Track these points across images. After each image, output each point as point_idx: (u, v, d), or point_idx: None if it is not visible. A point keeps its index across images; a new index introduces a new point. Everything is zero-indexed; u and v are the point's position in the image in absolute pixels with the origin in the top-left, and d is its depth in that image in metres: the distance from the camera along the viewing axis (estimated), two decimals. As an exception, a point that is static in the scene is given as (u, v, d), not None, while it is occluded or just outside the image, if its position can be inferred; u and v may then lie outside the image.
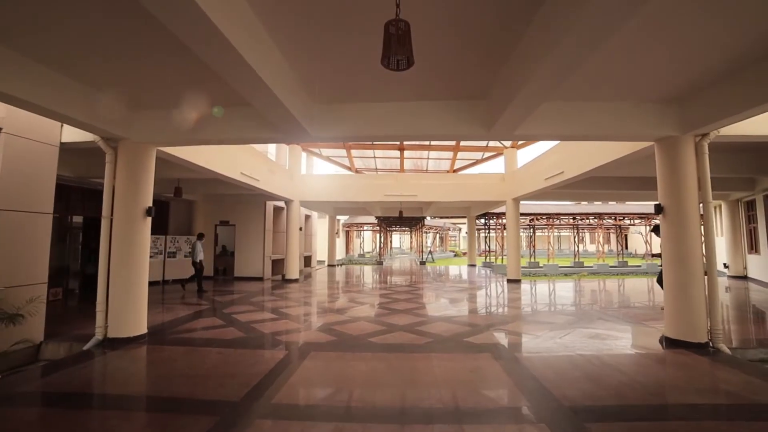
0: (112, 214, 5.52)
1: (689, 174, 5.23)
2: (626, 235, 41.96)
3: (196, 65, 4.06)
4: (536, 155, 12.51)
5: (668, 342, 5.31)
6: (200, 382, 3.96)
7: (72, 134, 5.78)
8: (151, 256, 12.85)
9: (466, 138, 5.61)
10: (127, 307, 5.43)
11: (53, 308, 8.35)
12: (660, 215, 5.52)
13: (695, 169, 5.24)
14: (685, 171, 5.25)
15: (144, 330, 5.63)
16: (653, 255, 9.12)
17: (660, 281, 8.14)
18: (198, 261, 11.00)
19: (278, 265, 15.76)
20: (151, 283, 12.62)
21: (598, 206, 27.05)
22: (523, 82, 3.97)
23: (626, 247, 41.17)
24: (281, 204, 15.36)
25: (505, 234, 24.20)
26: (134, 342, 5.35)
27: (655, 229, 8.86)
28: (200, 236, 11.68)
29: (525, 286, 12.62)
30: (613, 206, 26.80)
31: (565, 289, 11.98)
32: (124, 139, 5.55)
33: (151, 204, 5.80)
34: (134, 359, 4.80)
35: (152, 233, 13.45)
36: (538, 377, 4.12)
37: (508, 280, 13.62)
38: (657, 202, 5.56)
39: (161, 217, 14.25)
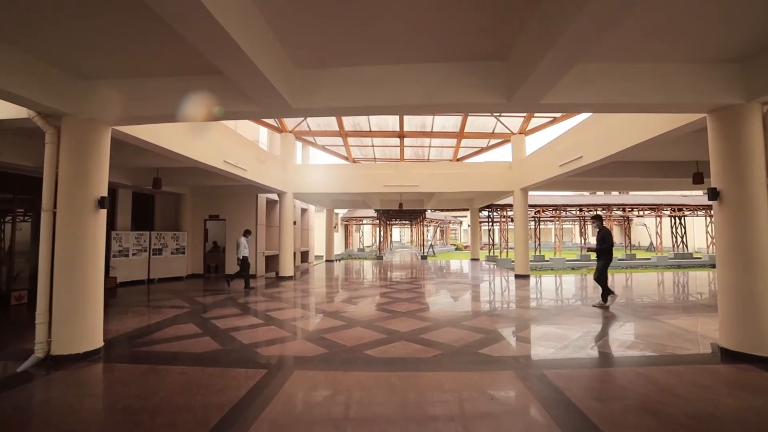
0: (55, 207, 4.57)
1: (755, 151, 4.29)
2: (628, 227, 41.21)
3: (156, 24, 3.15)
4: (546, 142, 11.57)
5: (726, 354, 4.41)
6: (146, 420, 3.06)
7: (3, 110, 4.81)
8: (134, 254, 12.06)
9: (481, 108, 4.67)
10: (75, 317, 4.51)
11: (15, 314, 7.47)
12: (715, 201, 4.59)
13: (763, 145, 4.30)
14: (750, 147, 4.30)
15: (99, 344, 4.72)
16: (589, 249, 8.17)
17: (599, 280, 7.40)
18: (242, 257, 10.45)
19: (272, 261, 14.88)
20: (134, 283, 11.89)
21: (601, 197, 26.13)
22: (557, 34, 3.07)
23: (629, 239, 40.45)
24: (275, 197, 14.44)
25: (509, 227, 23.33)
26: (84, 359, 4.44)
27: (596, 218, 7.93)
28: (246, 233, 10.92)
29: (535, 281, 11.73)
30: (616, 197, 25.90)
31: (578, 286, 11.09)
32: (69, 115, 4.60)
33: (105, 194, 4.86)
34: (75, 384, 3.88)
35: (137, 229, 12.62)
36: (580, 407, 3.22)
37: (516, 276, 12.74)
38: (712, 186, 4.62)
39: (146, 212, 13.35)
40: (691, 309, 7.54)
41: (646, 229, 35.76)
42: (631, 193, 34.81)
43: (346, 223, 35.19)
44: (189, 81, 4.69)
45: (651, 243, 36.32)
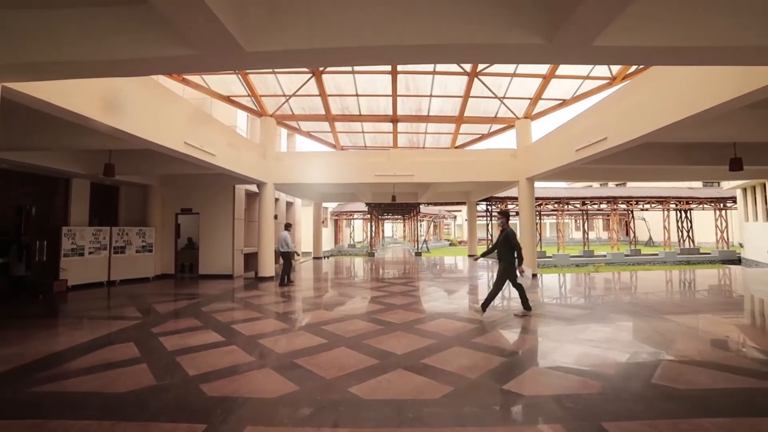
0: None
1: None
2: (627, 222, 40.44)
3: None
4: (553, 128, 10.37)
5: None
6: None
7: None
8: (91, 252, 10.59)
9: (509, 54, 3.35)
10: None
11: None
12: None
13: None
14: None
15: (-26, 384, 3.38)
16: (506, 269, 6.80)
17: (517, 287, 6.43)
18: (292, 252, 10.50)
19: (253, 260, 13.52)
20: (91, 285, 10.46)
21: (606, 189, 25.09)
22: None
23: (627, 234, 39.73)
24: (256, 189, 13.07)
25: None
26: (-58, 410, 3.11)
27: (503, 215, 6.81)
28: (288, 227, 10.81)
29: (544, 281, 10.55)
30: (622, 189, 24.88)
31: (595, 286, 9.94)
32: None
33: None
34: None
35: (97, 224, 11.18)
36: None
37: (522, 275, 11.55)
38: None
39: (109, 206, 11.87)
40: (738, 315, 6.40)
41: (645, 224, 35.01)
42: (629, 184, 33.97)
43: (336, 217, 33.83)
44: (100, 13, 3.31)
45: (650, 237, 35.62)
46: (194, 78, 10.76)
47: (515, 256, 6.24)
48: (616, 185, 36.59)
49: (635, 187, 24.48)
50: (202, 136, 7.81)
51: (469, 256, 19.61)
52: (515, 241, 6.27)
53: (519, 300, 6.43)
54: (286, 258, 10.42)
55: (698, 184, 32.22)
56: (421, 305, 7.53)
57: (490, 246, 6.75)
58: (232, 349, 4.79)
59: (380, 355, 4.48)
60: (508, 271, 6.31)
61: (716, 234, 20.53)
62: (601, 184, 39.63)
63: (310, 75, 10.28)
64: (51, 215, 9.93)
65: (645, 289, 9.40)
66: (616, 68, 10.07)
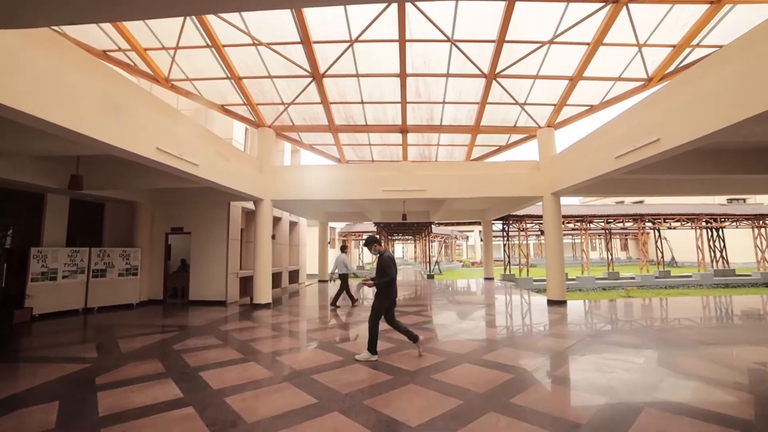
0: None
1: None
2: (646, 242, 38.47)
3: None
4: (584, 135, 9.18)
5: None
6: None
7: None
8: (65, 276, 9.48)
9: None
10: None
11: None
12: None
13: None
14: None
15: None
16: (364, 283, 5.41)
17: (370, 325, 5.34)
18: (344, 274, 10.35)
19: (250, 284, 12.34)
20: (65, 314, 9.27)
21: (630, 206, 23.60)
22: None
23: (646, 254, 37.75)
24: (254, 206, 12.00)
25: (526, 242, 20.74)
26: None
27: (370, 242, 5.55)
28: (343, 249, 11.11)
29: (578, 310, 9.11)
30: (642, 206, 23.37)
31: (639, 317, 8.47)
32: None
33: None
34: None
35: (77, 245, 10.03)
36: None
37: (549, 302, 10.17)
38: None
39: (92, 224, 10.87)
40: None
41: (666, 243, 33.19)
42: (648, 200, 32.29)
43: (344, 238, 32.67)
44: None
45: (672, 257, 33.78)
46: (185, 85, 9.88)
47: (386, 284, 5.32)
48: (634, 203, 34.99)
49: (659, 204, 22.95)
50: (182, 142, 6.76)
51: (486, 278, 18.13)
52: (385, 267, 5.29)
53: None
54: (343, 281, 10.38)
55: (722, 199, 30.47)
56: (438, 343, 6.18)
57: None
58: (186, 414, 3.52)
59: (386, 429, 3.18)
60: (380, 307, 5.35)
61: (756, 254, 18.79)
62: (617, 202, 38.04)
63: (310, 79, 9.30)
64: (18, 235, 8.89)
65: (703, 321, 7.93)
66: (652, 68, 8.93)
